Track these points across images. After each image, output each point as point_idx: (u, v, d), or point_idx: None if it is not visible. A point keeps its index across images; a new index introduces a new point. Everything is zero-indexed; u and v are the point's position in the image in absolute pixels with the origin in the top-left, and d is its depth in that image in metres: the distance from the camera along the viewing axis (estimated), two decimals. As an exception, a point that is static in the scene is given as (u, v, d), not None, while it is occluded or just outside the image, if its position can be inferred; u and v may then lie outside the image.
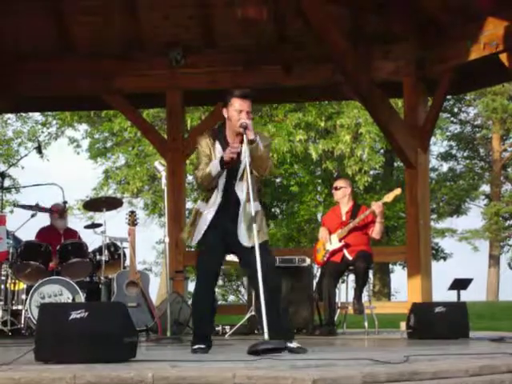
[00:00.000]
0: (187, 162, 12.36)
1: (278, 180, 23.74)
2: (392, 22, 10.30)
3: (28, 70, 10.80)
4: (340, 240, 9.04)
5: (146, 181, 22.79)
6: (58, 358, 4.90)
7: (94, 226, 9.83)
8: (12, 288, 9.00)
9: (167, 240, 8.11)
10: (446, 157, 29.75)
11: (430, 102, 10.52)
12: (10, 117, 26.98)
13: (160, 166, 8.07)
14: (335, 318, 9.04)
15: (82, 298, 8.66)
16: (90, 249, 9.38)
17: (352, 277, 9.17)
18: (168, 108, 11.25)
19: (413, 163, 10.26)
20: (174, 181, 10.74)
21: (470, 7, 9.26)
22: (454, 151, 30.11)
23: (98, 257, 9.27)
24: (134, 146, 22.78)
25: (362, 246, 9.03)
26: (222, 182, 6.01)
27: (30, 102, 12.03)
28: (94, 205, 10.28)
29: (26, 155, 27.35)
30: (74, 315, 4.97)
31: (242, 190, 5.99)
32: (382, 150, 23.52)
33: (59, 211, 9.66)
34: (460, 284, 11.80)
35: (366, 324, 9.02)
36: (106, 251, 9.25)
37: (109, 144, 24.70)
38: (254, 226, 5.78)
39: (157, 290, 22.37)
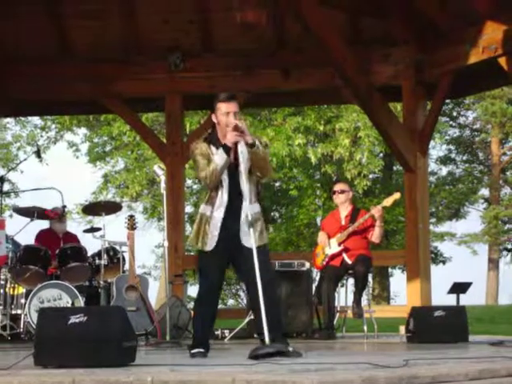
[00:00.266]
0: (186, 166, 12.34)
1: (277, 184, 23.75)
2: (391, 25, 10.31)
3: (27, 75, 10.79)
4: (339, 244, 9.04)
5: (145, 185, 22.79)
6: (58, 363, 4.90)
7: (93, 230, 9.83)
8: (11, 292, 8.98)
9: (166, 244, 8.10)
10: (445, 161, 29.74)
11: (429, 106, 10.53)
12: (9, 121, 27.01)
13: (159, 170, 8.07)
14: (334, 322, 9.02)
15: (81, 302, 8.65)
16: (90, 253, 9.36)
17: (351, 281, 9.17)
18: (167, 112, 11.25)
19: (412, 167, 10.26)
20: (173, 185, 10.73)
21: (469, 11, 9.27)
22: (453, 155, 30.11)
23: (97, 261, 9.25)
24: (133, 150, 22.77)
25: (362, 249, 9.02)
26: (225, 182, 6.02)
27: (29, 106, 12.03)
28: (93, 209, 10.29)
29: (25, 159, 27.51)
30: (74, 319, 4.97)
31: (245, 191, 6.01)
32: (381, 154, 23.52)
33: (58, 215, 9.65)
34: (459, 288, 11.81)
35: (365, 328, 9.01)
36: (105, 255, 9.24)
37: (108, 148, 24.70)
38: (259, 224, 5.90)
39: (156, 294, 22.34)
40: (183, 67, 10.73)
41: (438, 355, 5.77)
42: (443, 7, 9.65)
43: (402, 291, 21.86)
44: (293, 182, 22.83)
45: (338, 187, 9.44)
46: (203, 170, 6.00)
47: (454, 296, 11.71)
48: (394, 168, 25.16)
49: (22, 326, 8.70)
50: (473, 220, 33.73)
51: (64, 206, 9.81)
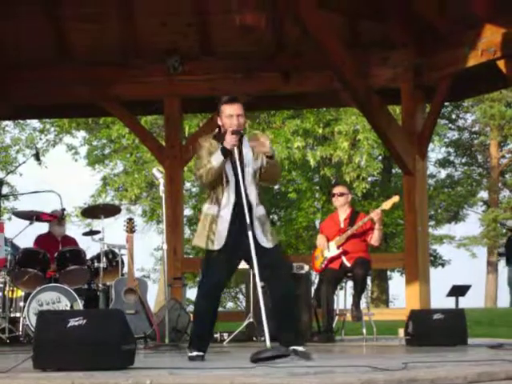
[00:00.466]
0: (185, 168, 12.36)
1: (276, 187, 23.74)
2: (390, 29, 10.32)
3: (26, 77, 10.80)
4: (338, 247, 9.03)
5: (144, 188, 22.79)
6: (57, 366, 4.90)
7: (92, 233, 9.82)
8: (10, 295, 8.98)
9: (165, 247, 8.11)
10: (443, 163, 29.75)
11: (428, 109, 10.53)
12: (8, 124, 27.00)
13: (158, 172, 8.07)
14: (333, 325, 9.02)
15: (80, 305, 8.65)
16: (88, 256, 9.37)
17: (350, 283, 9.16)
18: (166, 115, 11.26)
19: (411, 170, 10.26)
20: (171, 188, 10.73)
21: (468, 14, 9.27)
22: (451, 158, 30.13)
23: (96, 264, 9.25)
24: (132, 153, 22.79)
25: (361, 252, 9.02)
26: (232, 182, 6.00)
27: (28, 109, 12.03)
28: (92, 212, 10.27)
29: (24, 162, 27.51)
30: (72, 322, 4.97)
31: (252, 192, 6.02)
32: (379, 157, 23.54)
33: (57, 218, 9.65)
34: (458, 290, 11.83)
35: (364, 331, 9.01)
36: (104, 258, 9.24)
37: (107, 151, 24.70)
38: (268, 224, 6.03)
39: (155, 296, 22.33)
40: (182, 70, 10.74)
41: (437, 358, 5.77)
42: (442, 10, 9.66)
43: (401, 294, 21.88)
44: (292, 185, 22.84)
45: (337, 190, 9.44)
46: (202, 167, 6.00)
47: (453, 299, 11.74)
48: (393, 171, 25.17)
49: (20, 329, 8.70)
50: (472, 223, 33.73)
51: (63, 209, 9.81)
